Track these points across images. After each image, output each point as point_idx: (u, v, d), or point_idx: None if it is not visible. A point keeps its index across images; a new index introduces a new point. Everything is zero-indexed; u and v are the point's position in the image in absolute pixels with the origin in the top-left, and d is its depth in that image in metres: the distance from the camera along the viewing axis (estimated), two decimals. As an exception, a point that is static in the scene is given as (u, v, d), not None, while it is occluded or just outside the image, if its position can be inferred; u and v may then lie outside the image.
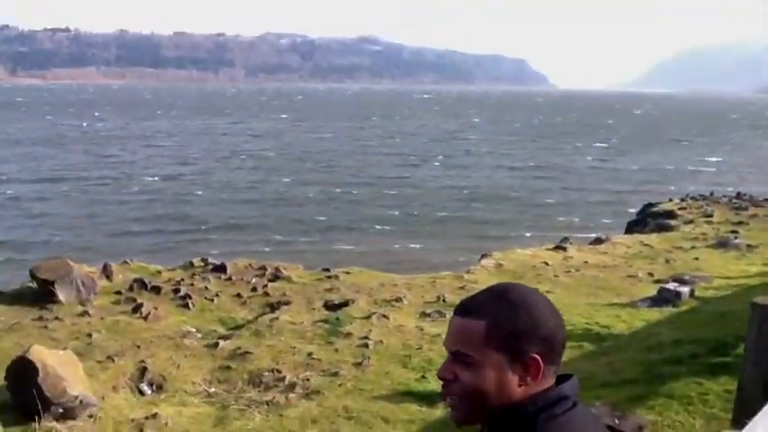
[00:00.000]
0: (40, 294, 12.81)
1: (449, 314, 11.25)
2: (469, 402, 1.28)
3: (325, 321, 11.41)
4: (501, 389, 1.25)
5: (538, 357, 1.25)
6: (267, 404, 8.38)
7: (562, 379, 1.30)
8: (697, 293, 11.85)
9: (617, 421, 2.70)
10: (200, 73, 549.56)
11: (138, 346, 10.36)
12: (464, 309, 1.31)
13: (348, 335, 10.72)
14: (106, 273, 14.52)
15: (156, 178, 45.17)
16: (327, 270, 15.55)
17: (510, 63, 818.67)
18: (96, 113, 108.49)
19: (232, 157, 57.66)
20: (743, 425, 3.38)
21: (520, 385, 1.26)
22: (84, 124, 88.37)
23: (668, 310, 11.01)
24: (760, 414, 3.31)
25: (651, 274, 14.58)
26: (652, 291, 12.29)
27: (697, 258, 16.26)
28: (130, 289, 13.69)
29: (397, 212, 35.76)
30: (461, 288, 13.34)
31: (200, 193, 40.53)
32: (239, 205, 37.44)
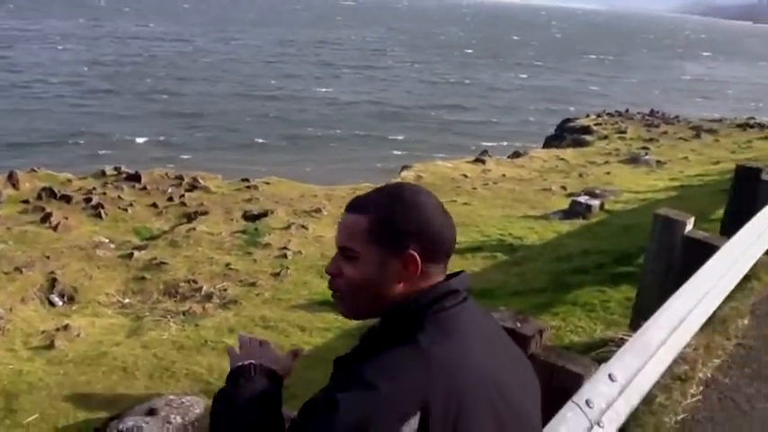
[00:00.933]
0: (-60, 203, 12.17)
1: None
2: (352, 295, 1.29)
3: (244, 232, 11.33)
4: (380, 283, 1.26)
5: (415, 254, 1.24)
6: (183, 314, 8.35)
7: (453, 276, 1.31)
8: (607, 207, 12.29)
9: (518, 324, 2.76)
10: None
11: (48, 257, 10.04)
12: (352, 205, 1.31)
13: (267, 245, 10.70)
14: (12, 181, 13.87)
15: (58, 82, 42.34)
16: (246, 180, 15.34)
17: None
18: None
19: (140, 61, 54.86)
20: (639, 328, 3.57)
21: (399, 281, 1.26)
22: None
23: (579, 223, 11.41)
24: (652, 317, 3.50)
25: (564, 188, 15.02)
26: (565, 204, 12.69)
27: (609, 173, 16.83)
28: (39, 198, 13.15)
29: (314, 129, 35.05)
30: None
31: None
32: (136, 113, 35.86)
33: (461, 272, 1.32)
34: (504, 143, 30.68)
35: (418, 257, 1.24)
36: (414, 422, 1.07)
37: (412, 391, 1.09)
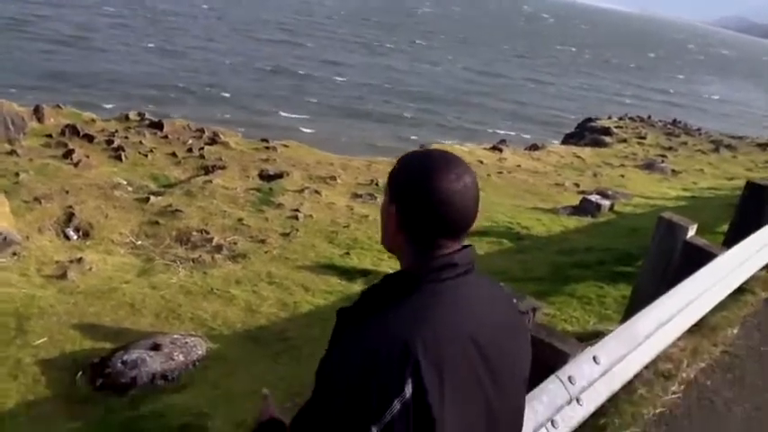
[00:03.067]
0: (-34, 128, 12.39)
1: (380, 198, 11.51)
2: (381, 226, 1.44)
3: (258, 190, 11.52)
4: (385, 222, 1.41)
5: (393, 209, 1.35)
6: (193, 261, 8.57)
7: (460, 250, 1.39)
8: (616, 208, 12.41)
9: (515, 300, 2.94)
10: None
11: (67, 192, 10.28)
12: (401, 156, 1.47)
13: (279, 206, 10.89)
14: (37, 114, 14.10)
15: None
16: (266, 141, 15.50)
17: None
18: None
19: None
20: (628, 321, 3.77)
21: (393, 230, 1.38)
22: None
23: (587, 220, 11.55)
24: (642, 311, 3.69)
25: (577, 185, 15.13)
26: (575, 200, 12.81)
27: (623, 176, 16.91)
28: (62, 134, 13.38)
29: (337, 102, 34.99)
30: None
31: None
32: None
33: (468, 245, 1.40)
34: (525, 136, 30.57)
35: (395, 215, 1.35)
36: (408, 384, 1.19)
37: (401, 346, 1.21)
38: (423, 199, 1.33)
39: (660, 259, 5.20)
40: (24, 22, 39.29)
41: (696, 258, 4.92)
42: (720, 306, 4.98)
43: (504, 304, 1.47)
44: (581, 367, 3.07)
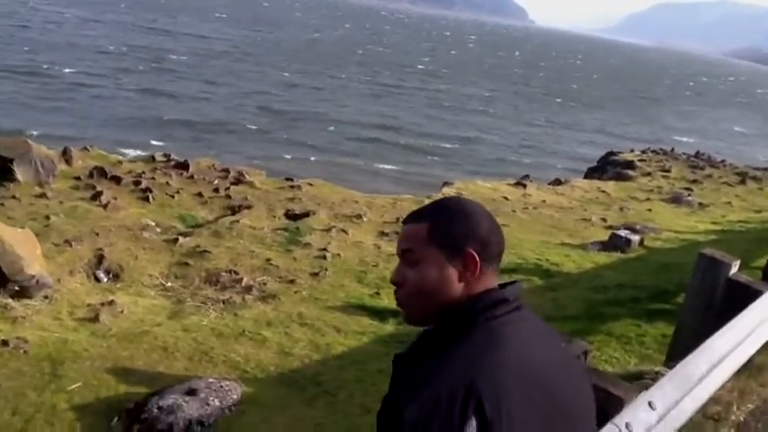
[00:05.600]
0: (-2, 171, 12.60)
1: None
2: (416, 300, 1.41)
3: (285, 230, 11.55)
4: (443, 284, 1.38)
5: (474, 252, 1.36)
6: (223, 303, 8.57)
7: (506, 285, 1.41)
8: (646, 243, 12.28)
9: (564, 345, 2.88)
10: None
11: (97, 234, 10.37)
12: (411, 216, 1.46)
13: (307, 245, 10.90)
14: (66, 157, 14.32)
15: (74, 70, 42.09)
16: (291, 179, 15.61)
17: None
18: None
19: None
20: (675, 363, 3.67)
21: (460, 281, 1.37)
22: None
23: (616, 256, 11.42)
24: (694, 352, 3.59)
25: (604, 220, 15.02)
26: (604, 236, 12.71)
27: (650, 210, 16.76)
28: (90, 176, 13.58)
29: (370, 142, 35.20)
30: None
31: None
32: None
33: (516, 281, 1.42)
34: (547, 172, 30.48)
35: (477, 256, 1.36)
36: (473, 424, 1.17)
37: (465, 388, 1.19)
38: (486, 234, 1.39)
39: (702, 297, 5.10)
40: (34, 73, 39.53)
41: (740, 296, 4.82)
42: (766, 344, 4.87)
43: (557, 338, 1.49)
44: (638, 413, 2.98)
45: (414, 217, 1.44)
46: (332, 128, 36.09)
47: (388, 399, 1.28)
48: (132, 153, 16.59)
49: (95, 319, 7.79)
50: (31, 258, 8.50)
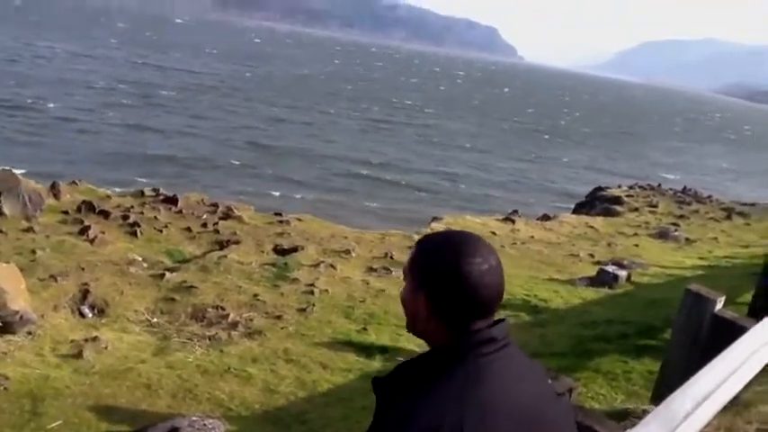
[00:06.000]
0: (-16, 206, 12.52)
1: (395, 271, 11.44)
2: (405, 311, 1.45)
3: (273, 265, 11.51)
4: (413, 309, 1.41)
5: (423, 296, 1.37)
6: (209, 339, 8.48)
7: (494, 324, 1.40)
8: (633, 278, 12.31)
9: (549, 381, 2.87)
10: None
11: (83, 269, 10.29)
12: (418, 239, 1.48)
13: (295, 280, 10.85)
14: (54, 191, 14.28)
15: (60, 105, 42.04)
16: (279, 214, 15.61)
17: (481, 30, 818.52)
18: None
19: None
20: (661, 399, 3.65)
21: (424, 315, 1.38)
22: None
23: (604, 291, 11.43)
24: (679, 389, 3.58)
25: (592, 255, 15.06)
26: (591, 271, 12.73)
27: (637, 245, 16.83)
28: (78, 210, 13.52)
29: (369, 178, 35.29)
30: (410, 247, 13.56)
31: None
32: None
33: (502, 319, 1.42)
34: (535, 209, 30.58)
35: (426, 302, 1.37)
36: None
37: (450, 425, 1.21)
38: (455, 285, 1.35)
39: (688, 332, 5.10)
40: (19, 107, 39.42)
41: (725, 332, 4.83)
42: (753, 380, 4.85)
43: (542, 375, 1.49)
44: (622, 452, 2.98)
45: (418, 241, 1.46)
46: (320, 164, 36.26)
47: (374, 428, 1.31)
48: (117, 191, 16.48)
49: (78, 355, 7.69)
50: (16, 293, 8.41)
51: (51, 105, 41.08)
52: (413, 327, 1.44)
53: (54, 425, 6.06)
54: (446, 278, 1.35)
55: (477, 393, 1.27)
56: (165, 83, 60.65)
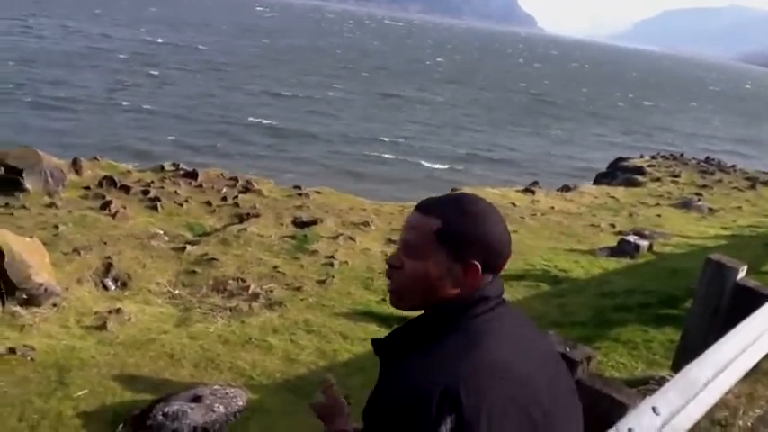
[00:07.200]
0: (7, 182, 12.67)
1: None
2: (407, 287, 1.38)
3: (293, 237, 11.56)
4: (438, 284, 1.36)
5: (478, 264, 1.34)
6: (230, 310, 8.57)
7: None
8: (655, 248, 12.21)
9: (568, 349, 2.87)
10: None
11: (105, 243, 10.40)
12: (423, 206, 1.40)
13: (314, 252, 10.90)
14: (75, 167, 14.40)
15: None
16: (298, 188, 15.64)
17: (500, 1, 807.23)
18: None
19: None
20: (681, 368, 3.63)
21: (455, 286, 1.35)
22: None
23: (625, 261, 11.36)
24: (699, 358, 3.56)
25: (613, 226, 14.95)
26: (612, 241, 12.64)
27: (659, 215, 16.68)
28: (99, 185, 13.65)
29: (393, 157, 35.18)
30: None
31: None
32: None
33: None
34: (556, 178, 30.32)
35: (480, 268, 1.34)
36: (449, 420, 1.18)
37: (443, 386, 1.20)
38: (497, 247, 1.36)
39: (709, 302, 5.06)
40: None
41: (747, 300, 4.78)
42: (774, 349, 4.82)
43: (537, 332, 1.47)
44: (641, 419, 2.96)
45: (425, 208, 1.39)
46: (333, 141, 36.11)
47: (374, 393, 1.32)
48: (137, 165, 16.57)
49: (103, 326, 7.80)
50: (39, 267, 8.53)
51: (64, 87, 41.14)
52: (420, 298, 1.39)
53: (80, 393, 6.17)
54: (491, 238, 1.36)
55: (472, 354, 1.26)
56: (179, 60, 60.56)
